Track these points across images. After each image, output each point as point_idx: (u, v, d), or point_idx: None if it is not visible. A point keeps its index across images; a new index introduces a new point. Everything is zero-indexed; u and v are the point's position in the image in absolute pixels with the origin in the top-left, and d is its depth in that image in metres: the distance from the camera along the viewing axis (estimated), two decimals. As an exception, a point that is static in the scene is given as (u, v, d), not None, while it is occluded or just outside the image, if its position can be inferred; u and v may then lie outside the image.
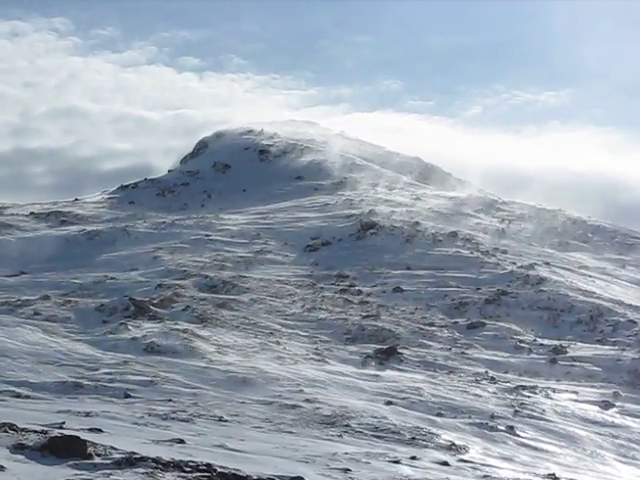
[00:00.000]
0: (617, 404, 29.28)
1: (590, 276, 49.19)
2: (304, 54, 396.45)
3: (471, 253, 50.77)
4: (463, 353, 34.70)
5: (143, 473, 11.58)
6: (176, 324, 33.79)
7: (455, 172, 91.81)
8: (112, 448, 12.94)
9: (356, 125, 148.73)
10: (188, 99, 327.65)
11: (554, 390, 30.31)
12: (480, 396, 28.37)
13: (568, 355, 35.14)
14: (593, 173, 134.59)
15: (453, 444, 21.20)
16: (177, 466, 12.27)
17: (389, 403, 26.05)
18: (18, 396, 23.05)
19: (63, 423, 16.28)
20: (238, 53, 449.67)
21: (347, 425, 22.27)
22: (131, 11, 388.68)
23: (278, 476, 13.01)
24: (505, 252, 52.41)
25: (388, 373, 30.75)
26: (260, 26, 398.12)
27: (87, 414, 20.06)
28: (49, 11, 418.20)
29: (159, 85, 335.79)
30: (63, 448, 12.40)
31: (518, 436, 24.08)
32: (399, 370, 31.56)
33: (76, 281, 43.13)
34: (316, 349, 33.39)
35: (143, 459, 12.30)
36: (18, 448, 12.51)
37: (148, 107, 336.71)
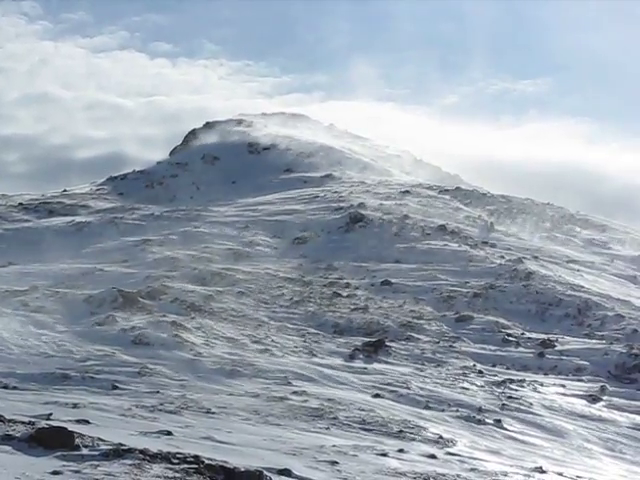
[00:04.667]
0: (604, 398, 29.37)
1: (578, 270, 49.27)
2: (277, 40, 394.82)
3: (459, 246, 50.81)
4: (451, 346, 34.74)
5: (130, 464, 11.55)
6: (164, 316, 33.75)
7: (433, 163, 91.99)
8: (99, 439, 12.92)
9: (332, 113, 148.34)
10: (161, 85, 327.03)
11: (541, 384, 30.38)
12: (468, 389, 28.44)
13: (556, 349, 35.20)
14: (571, 164, 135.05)
15: (440, 437, 21.24)
16: (164, 458, 12.25)
17: (377, 396, 26.10)
18: (5, 387, 23.05)
19: (50, 414, 16.27)
20: (210, 38, 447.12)
21: (335, 418, 22.29)
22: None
23: (265, 468, 13.00)
24: (494, 246, 52.46)
25: (376, 366, 30.77)
26: (232, 10, 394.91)
27: (74, 405, 20.09)
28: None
29: (131, 71, 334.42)
30: (50, 439, 12.37)
31: (505, 429, 24.14)
32: (387, 363, 31.58)
33: (64, 272, 43.05)
34: (304, 342, 33.40)
35: (130, 450, 12.28)
36: (5, 439, 12.47)
37: (121, 94, 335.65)
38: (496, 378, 30.49)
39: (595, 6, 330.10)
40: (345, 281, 43.85)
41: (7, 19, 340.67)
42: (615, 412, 27.82)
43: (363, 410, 23.46)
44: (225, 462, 12.65)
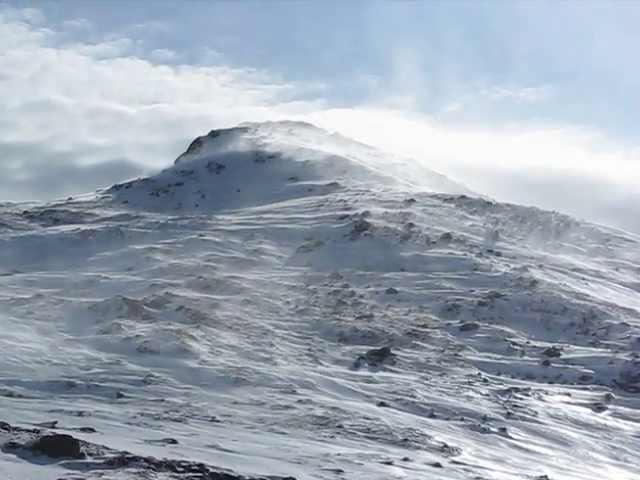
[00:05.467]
0: (609, 407, 29.32)
1: (583, 278, 49.23)
2: (279, 47, 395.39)
3: (464, 255, 50.79)
4: (456, 355, 34.71)
5: (135, 473, 11.56)
6: (169, 324, 33.76)
7: (438, 171, 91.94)
8: (104, 448, 12.92)
9: (334, 121, 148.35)
10: (164, 93, 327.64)
11: (547, 392, 30.33)
12: (473, 398, 28.40)
13: (561, 357, 35.16)
14: (574, 172, 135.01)
15: (445, 446, 21.21)
16: (169, 466, 12.26)
17: (382, 404, 26.07)
18: (10, 395, 23.04)
19: (55, 422, 16.28)
20: (213, 46, 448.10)
21: (340, 426, 22.27)
22: (103, 2, 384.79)
23: (270, 477, 13.01)
24: (499, 254, 52.43)
25: (381, 374, 30.74)
26: (234, 17, 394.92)
27: (79, 413, 20.07)
28: (19, 1, 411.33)
29: (134, 78, 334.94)
30: (55, 447, 12.39)
31: (510, 438, 24.10)
32: (392, 371, 31.56)
33: (69, 280, 43.09)
34: (309, 350, 33.38)
35: (135, 459, 12.29)
36: (10, 447, 12.49)
37: (123, 101, 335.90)
38: (501, 387, 30.45)
39: (598, 14, 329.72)
40: (350, 289, 43.85)
41: (9, 26, 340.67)
42: (620, 421, 27.77)
43: (368, 418, 23.44)
44: (230, 470, 12.66)
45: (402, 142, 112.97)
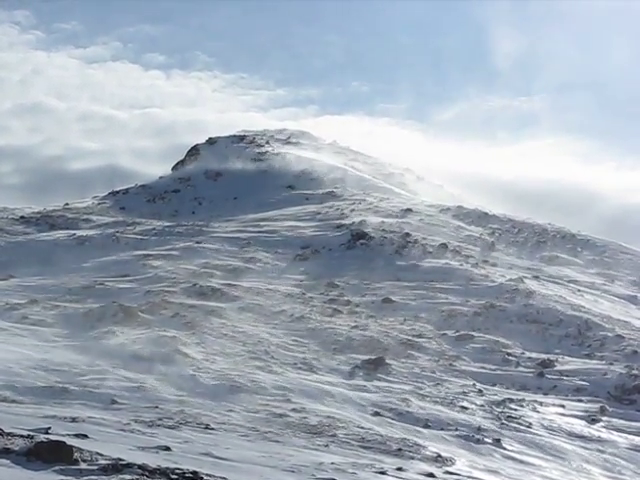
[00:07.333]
0: (604, 419, 29.34)
1: (579, 290, 49.27)
2: (272, 53, 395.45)
3: (461, 265, 50.81)
4: (451, 365, 34.71)
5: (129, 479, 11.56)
6: (164, 331, 33.72)
7: (435, 181, 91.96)
8: (98, 454, 12.90)
9: (327, 128, 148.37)
10: (155, 97, 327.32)
11: (541, 403, 30.35)
12: (467, 408, 28.39)
13: (556, 369, 35.18)
14: (567, 183, 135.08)
15: (439, 456, 21.20)
16: (163, 473, 12.24)
17: (376, 414, 26.06)
18: (4, 400, 22.98)
19: (49, 428, 16.23)
20: (205, 50, 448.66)
21: (334, 435, 22.26)
22: (94, 4, 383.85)
23: (264, 485, 13.00)
24: (495, 265, 52.46)
25: (376, 384, 30.73)
26: (226, 22, 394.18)
27: (73, 419, 20.03)
28: (10, 3, 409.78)
29: (125, 83, 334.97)
30: (49, 453, 12.36)
31: (504, 449, 24.11)
32: (387, 381, 31.53)
33: (65, 286, 43.04)
34: (304, 359, 33.35)
35: (129, 466, 12.27)
36: (4, 453, 12.46)
37: (115, 105, 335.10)
38: (496, 397, 30.45)
39: (593, 25, 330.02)
40: (346, 298, 43.83)
41: (0, 28, 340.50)
42: (614, 433, 27.78)
43: (362, 428, 23.44)
44: (224, 478, 12.66)
45: (396, 150, 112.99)
